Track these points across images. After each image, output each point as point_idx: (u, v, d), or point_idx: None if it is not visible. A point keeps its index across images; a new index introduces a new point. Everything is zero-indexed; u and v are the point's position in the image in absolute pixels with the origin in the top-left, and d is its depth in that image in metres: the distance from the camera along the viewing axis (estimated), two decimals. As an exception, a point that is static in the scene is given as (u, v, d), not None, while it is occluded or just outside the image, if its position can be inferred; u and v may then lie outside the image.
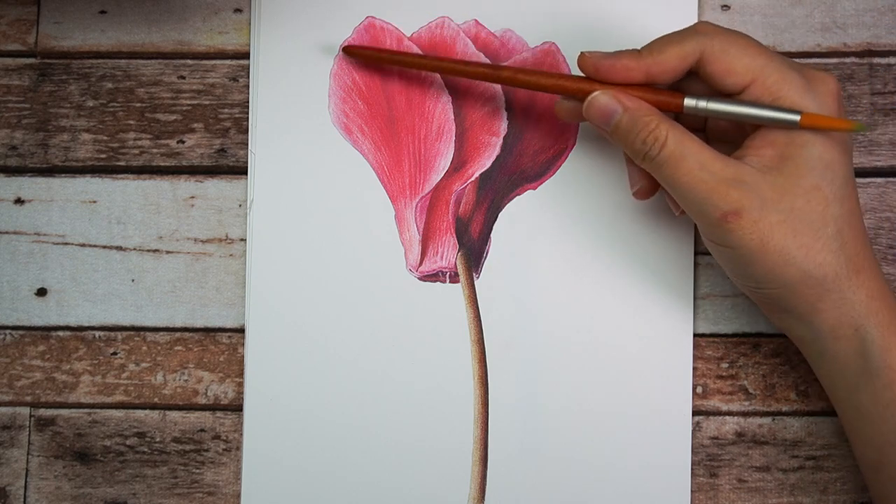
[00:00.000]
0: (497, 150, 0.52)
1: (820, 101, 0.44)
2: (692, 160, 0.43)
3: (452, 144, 0.52)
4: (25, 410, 0.53)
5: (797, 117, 0.43)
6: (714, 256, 0.46)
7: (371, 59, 0.51)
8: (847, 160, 0.44)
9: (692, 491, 0.51)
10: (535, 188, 0.52)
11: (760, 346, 0.51)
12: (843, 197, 0.44)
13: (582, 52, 0.46)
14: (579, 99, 0.46)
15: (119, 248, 0.53)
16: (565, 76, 0.47)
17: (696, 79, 0.45)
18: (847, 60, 0.52)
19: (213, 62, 0.54)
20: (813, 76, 0.44)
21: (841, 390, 0.45)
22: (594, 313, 0.51)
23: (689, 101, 0.44)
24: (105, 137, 0.53)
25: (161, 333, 0.53)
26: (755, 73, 0.43)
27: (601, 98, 0.45)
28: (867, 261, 0.44)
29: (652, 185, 0.47)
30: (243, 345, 0.52)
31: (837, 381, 0.45)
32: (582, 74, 0.46)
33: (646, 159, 0.44)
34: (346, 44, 0.52)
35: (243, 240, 0.53)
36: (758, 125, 0.44)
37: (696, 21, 0.52)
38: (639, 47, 0.45)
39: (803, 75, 0.44)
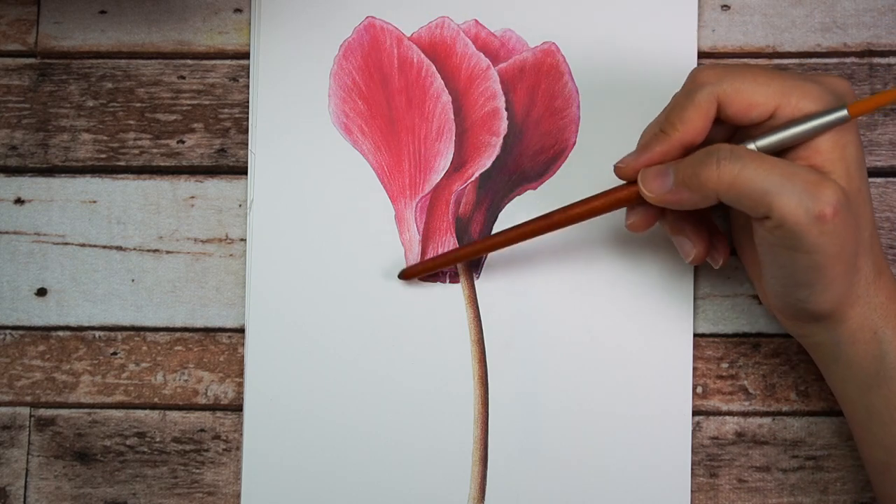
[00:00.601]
0: (497, 150, 0.52)
1: (842, 102, 0.43)
2: (769, 157, 0.41)
3: (452, 144, 0.52)
4: (25, 410, 0.53)
5: (844, 111, 0.42)
6: (771, 268, 0.44)
7: (430, 268, 0.51)
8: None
9: (692, 491, 0.51)
10: (535, 188, 0.52)
11: (760, 346, 0.51)
12: (869, 198, 0.44)
13: (615, 165, 0.45)
14: (637, 202, 0.45)
15: (119, 248, 0.53)
16: (614, 190, 0.46)
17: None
18: (847, 60, 0.52)
19: (213, 62, 0.54)
20: (825, 81, 0.44)
21: (852, 392, 0.45)
22: (594, 313, 0.51)
23: None
24: (105, 137, 0.53)
25: (161, 333, 0.53)
26: (777, 98, 0.42)
27: (651, 167, 0.44)
28: (884, 263, 0.44)
29: (706, 246, 0.46)
30: (243, 345, 0.52)
31: (849, 383, 0.45)
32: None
33: (720, 165, 0.42)
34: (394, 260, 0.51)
35: (243, 240, 0.53)
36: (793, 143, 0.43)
37: (695, 21, 0.52)
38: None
39: (817, 83, 0.43)
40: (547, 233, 0.48)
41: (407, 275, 0.51)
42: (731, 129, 0.45)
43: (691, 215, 0.46)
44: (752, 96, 0.43)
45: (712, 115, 0.43)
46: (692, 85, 0.44)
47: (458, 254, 0.50)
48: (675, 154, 0.44)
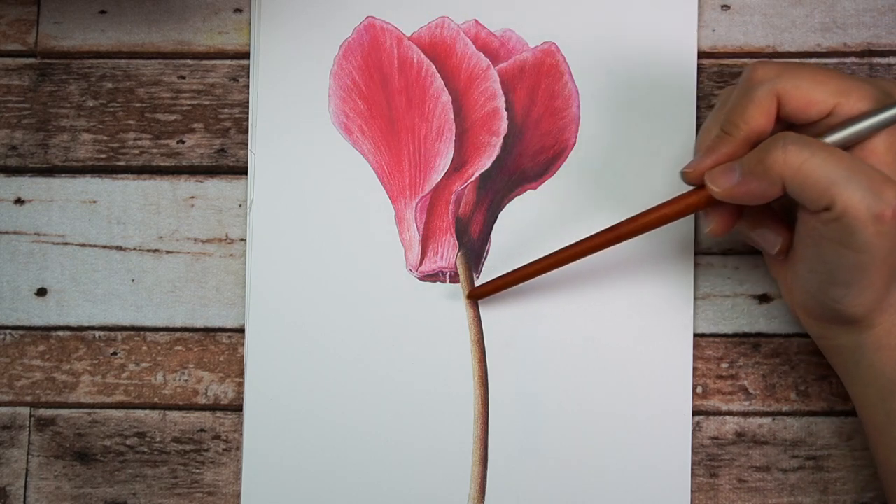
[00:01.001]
0: (497, 150, 0.52)
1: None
2: (836, 149, 0.41)
3: (452, 144, 0.52)
4: (25, 410, 0.53)
5: None
6: (812, 263, 0.43)
7: (499, 288, 0.50)
8: None
9: (692, 491, 0.51)
10: (535, 188, 0.52)
11: (760, 346, 0.51)
12: None
13: (682, 171, 0.45)
14: (708, 205, 0.45)
15: (119, 248, 0.53)
16: (684, 196, 0.45)
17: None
18: (847, 60, 0.52)
19: (213, 62, 0.54)
20: (878, 83, 0.43)
21: (872, 397, 0.45)
22: (594, 313, 0.51)
23: None
24: (105, 137, 0.53)
25: (161, 333, 0.53)
26: (835, 97, 0.42)
27: (716, 166, 0.44)
28: None
29: (789, 234, 0.46)
30: (243, 345, 0.52)
31: (870, 387, 0.45)
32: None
33: (787, 150, 0.41)
34: (473, 290, 0.51)
35: (243, 240, 0.53)
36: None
37: (695, 21, 0.52)
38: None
39: (872, 84, 0.43)
40: (615, 243, 0.47)
41: (474, 295, 0.51)
42: (783, 128, 0.44)
43: (768, 207, 0.46)
44: (811, 94, 0.42)
45: (773, 112, 0.43)
46: (750, 82, 0.43)
47: (526, 271, 0.49)
48: (740, 153, 0.43)
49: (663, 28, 0.52)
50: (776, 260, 0.47)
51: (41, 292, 0.53)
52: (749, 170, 0.42)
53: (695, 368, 0.51)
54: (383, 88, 0.52)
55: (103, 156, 0.53)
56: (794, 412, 0.51)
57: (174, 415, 0.52)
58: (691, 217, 0.51)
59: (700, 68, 0.52)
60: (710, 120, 0.45)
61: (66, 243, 0.53)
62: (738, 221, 0.46)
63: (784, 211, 0.47)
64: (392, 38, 0.53)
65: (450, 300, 0.51)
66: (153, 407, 0.52)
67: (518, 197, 0.52)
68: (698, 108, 0.52)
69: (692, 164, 0.44)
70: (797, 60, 0.52)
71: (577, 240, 0.48)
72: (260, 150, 0.52)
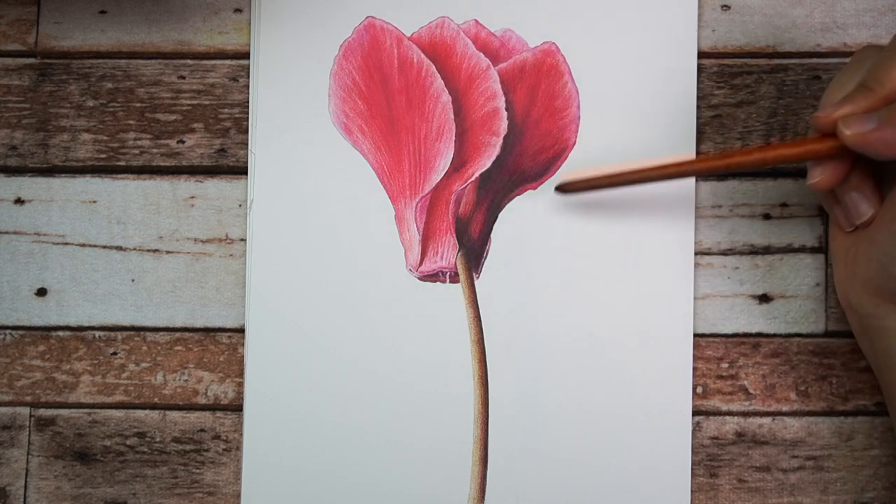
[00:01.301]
0: (497, 150, 0.52)
1: None
2: None
3: (452, 144, 0.52)
4: (25, 410, 0.53)
5: None
6: (889, 238, 0.43)
7: (589, 187, 0.50)
8: None
9: (692, 491, 0.51)
10: (535, 188, 0.52)
11: (760, 346, 0.51)
12: None
13: (814, 115, 0.44)
14: (829, 155, 0.44)
15: (119, 248, 0.53)
16: (808, 140, 0.45)
17: None
18: (847, 60, 0.52)
19: (213, 62, 0.54)
20: None
21: None
22: (594, 313, 0.51)
23: None
24: (105, 137, 0.53)
25: (161, 333, 0.53)
26: None
27: (853, 114, 0.43)
28: None
29: (878, 209, 0.46)
30: (243, 345, 0.52)
31: None
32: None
33: None
34: (557, 189, 0.50)
35: (243, 240, 0.53)
36: None
37: (695, 21, 0.52)
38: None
39: None
40: (723, 171, 0.46)
41: (563, 188, 0.50)
42: None
43: (872, 174, 0.45)
44: None
45: None
46: None
47: (621, 177, 0.48)
48: (876, 109, 0.43)
49: (663, 28, 0.52)
50: (842, 230, 0.47)
51: (41, 292, 0.53)
52: (888, 117, 0.42)
53: (695, 368, 0.51)
54: (383, 88, 0.52)
55: (103, 156, 0.53)
56: (794, 412, 0.51)
57: (174, 415, 0.52)
58: (691, 217, 0.51)
59: (700, 68, 0.52)
60: (844, 75, 0.45)
61: (66, 243, 0.53)
62: (840, 182, 0.46)
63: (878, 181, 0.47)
64: (392, 38, 0.53)
65: (450, 300, 0.51)
66: (153, 407, 0.52)
67: (518, 197, 0.52)
68: (698, 107, 0.52)
69: (825, 110, 0.44)
70: (797, 61, 0.52)
71: (687, 159, 0.47)
72: (260, 150, 0.52)
